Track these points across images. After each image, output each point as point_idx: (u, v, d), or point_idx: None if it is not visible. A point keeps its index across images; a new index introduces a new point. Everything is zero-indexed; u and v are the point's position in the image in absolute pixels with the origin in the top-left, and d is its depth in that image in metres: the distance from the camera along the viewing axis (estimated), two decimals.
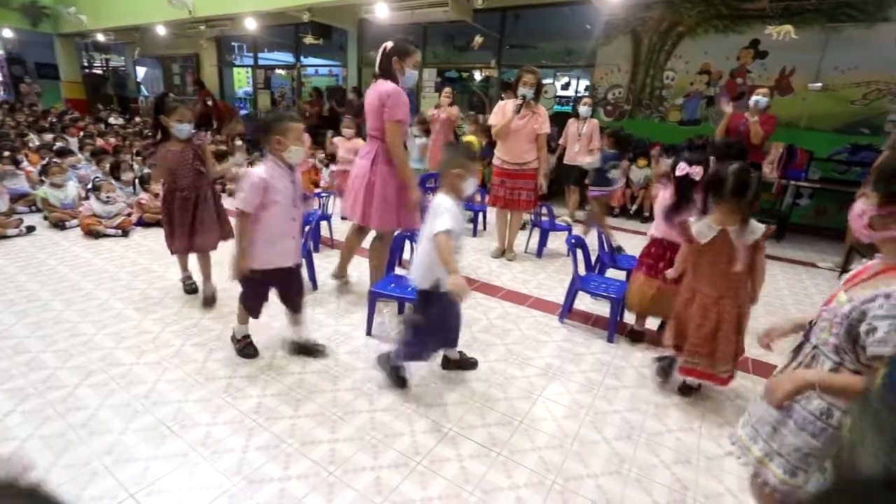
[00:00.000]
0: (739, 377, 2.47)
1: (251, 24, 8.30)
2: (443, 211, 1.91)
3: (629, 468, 1.79)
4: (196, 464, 1.68)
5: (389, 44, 2.65)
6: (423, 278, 2.03)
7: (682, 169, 2.24)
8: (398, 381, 2.18)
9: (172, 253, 2.99)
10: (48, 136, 7.28)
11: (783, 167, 5.56)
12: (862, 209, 1.06)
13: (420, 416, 2.00)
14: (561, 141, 5.64)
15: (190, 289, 3.11)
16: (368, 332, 2.68)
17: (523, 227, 4.66)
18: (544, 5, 7.15)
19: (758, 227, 1.90)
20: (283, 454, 1.75)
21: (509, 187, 3.91)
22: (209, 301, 2.93)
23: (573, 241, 2.98)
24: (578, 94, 8.74)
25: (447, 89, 5.70)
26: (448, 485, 1.65)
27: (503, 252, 4.21)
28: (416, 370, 2.34)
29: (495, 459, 1.79)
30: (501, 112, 3.78)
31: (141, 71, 14.74)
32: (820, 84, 5.52)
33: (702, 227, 1.94)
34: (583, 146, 5.20)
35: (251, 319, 2.39)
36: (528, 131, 3.73)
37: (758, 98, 4.42)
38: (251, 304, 2.32)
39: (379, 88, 2.62)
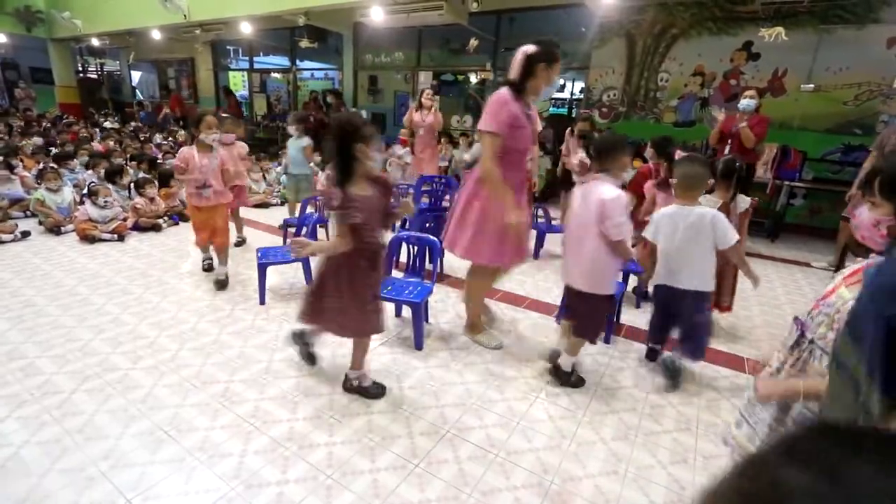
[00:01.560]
0: (736, 377, 2.49)
1: (246, 28, 8.30)
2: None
3: (626, 468, 1.80)
4: (193, 468, 1.68)
5: (531, 48, 2.16)
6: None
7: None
8: (310, 357, 2.30)
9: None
10: (41, 141, 7.26)
11: (777, 167, 5.60)
12: (875, 218, 1.02)
13: (417, 419, 2.01)
14: (562, 147, 5.66)
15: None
16: None
17: None
18: (539, 8, 7.18)
19: (744, 201, 2.61)
20: (280, 458, 1.75)
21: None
22: None
23: None
24: (574, 97, 8.79)
25: (428, 91, 5.57)
26: (446, 486, 1.66)
27: None
28: (413, 372, 2.35)
29: (493, 461, 1.79)
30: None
31: (136, 75, 14.72)
32: (812, 85, 5.57)
33: (708, 202, 2.35)
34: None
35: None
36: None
37: (745, 101, 4.46)
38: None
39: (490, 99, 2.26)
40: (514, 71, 2.21)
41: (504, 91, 2.21)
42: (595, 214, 2.01)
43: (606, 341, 2.77)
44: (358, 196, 1.76)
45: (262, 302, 3.05)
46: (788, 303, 3.61)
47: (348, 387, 2.15)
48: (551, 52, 2.16)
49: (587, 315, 2.22)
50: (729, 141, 4.59)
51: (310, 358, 2.30)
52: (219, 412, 1.98)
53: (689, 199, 2.18)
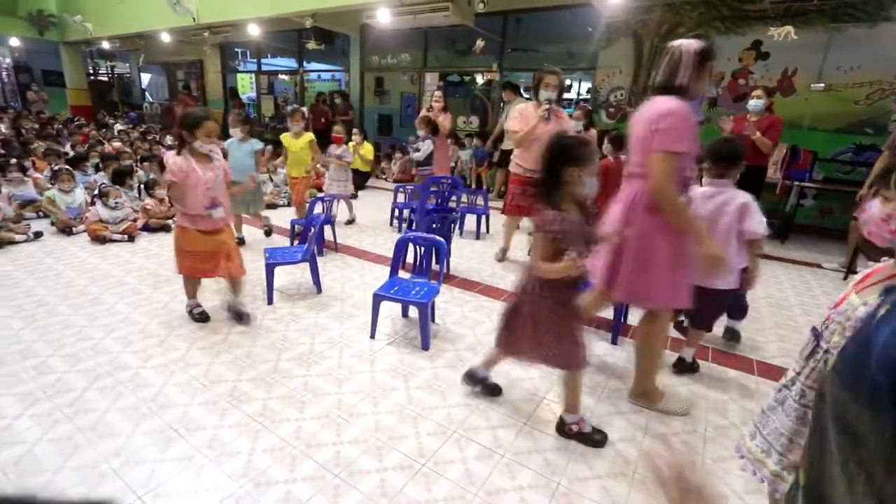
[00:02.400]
0: (745, 378, 2.47)
1: (254, 31, 8.36)
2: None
3: (634, 470, 1.79)
4: (203, 466, 1.69)
5: (698, 43, 1.81)
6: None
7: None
8: (492, 388, 2.20)
9: None
10: (51, 142, 7.36)
11: (786, 168, 5.55)
12: (886, 213, 0.99)
13: (424, 419, 2.01)
14: None
15: None
16: (372, 336, 2.69)
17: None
18: (545, 9, 7.17)
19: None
20: (288, 456, 1.76)
21: (532, 195, 3.66)
22: None
23: None
24: (580, 97, 8.76)
25: (437, 93, 5.60)
26: (452, 486, 1.66)
27: (506, 253, 4.18)
28: (419, 372, 2.36)
29: (499, 461, 1.79)
30: (523, 117, 3.52)
31: (146, 77, 14.89)
32: (823, 84, 5.51)
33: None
34: None
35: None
36: (553, 132, 3.56)
37: (753, 101, 4.42)
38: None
39: (654, 109, 1.83)
40: (678, 72, 1.82)
41: (672, 101, 1.80)
42: (735, 216, 2.17)
43: (614, 342, 2.76)
44: (573, 220, 1.67)
45: (270, 302, 3.07)
46: (798, 304, 3.57)
47: (566, 432, 1.93)
48: (713, 45, 1.86)
49: (716, 308, 2.40)
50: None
51: (494, 390, 2.19)
52: (227, 411, 2.00)
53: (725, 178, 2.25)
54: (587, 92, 8.06)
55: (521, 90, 7.01)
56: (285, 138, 4.49)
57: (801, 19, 5.52)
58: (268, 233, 4.57)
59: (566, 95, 9.02)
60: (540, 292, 1.76)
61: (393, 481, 1.67)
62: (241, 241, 4.24)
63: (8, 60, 13.74)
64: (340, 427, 1.93)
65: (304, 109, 6.17)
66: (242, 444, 1.81)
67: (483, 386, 2.19)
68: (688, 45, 1.83)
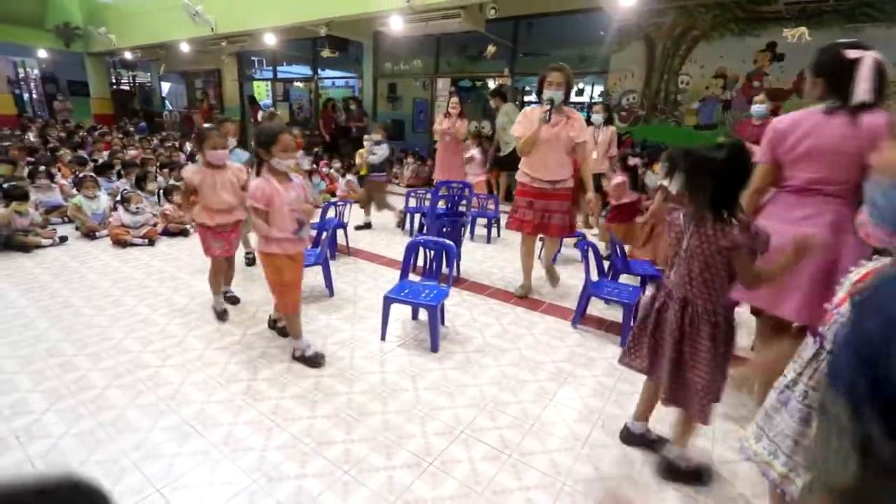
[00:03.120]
0: None
1: (270, 40, 8.56)
2: None
3: (641, 472, 1.80)
4: (218, 461, 1.75)
5: (877, 53, 1.69)
6: None
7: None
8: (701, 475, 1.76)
9: None
10: (80, 151, 7.62)
11: None
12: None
13: (432, 419, 2.05)
14: None
15: None
16: (383, 338, 2.74)
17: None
18: (557, 13, 7.20)
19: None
20: (300, 453, 1.81)
21: (540, 209, 3.19)
22: None
23: (585, 246, 3.00)
24: (592, 101, 8.73)
25: (454, 99, 5.67)
26: (459, 485, 1.69)
27: (530, 289, 3.48)
28: (428, 373, 2.39)
29: (506, 461, 1.82)
30: (527, 120, 3.12)
31: (165, 86, 15.30)
32: None
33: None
34: (600, 154, 5.16)
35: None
36: (563, 141, 3.06)
37: (757, 107, 4.39)
38: None
39: (869, 122, 1.68)
40: (884, 85, 1.71)
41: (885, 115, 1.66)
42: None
43: (623, 345, 2.76)
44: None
45: None
46: None
47: (668, 469, 1.74)
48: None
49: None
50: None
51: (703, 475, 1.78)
52: (242, 409, 2.06)
53: None
54: (599, 95, 8.05)
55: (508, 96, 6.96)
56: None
57: (817, 20, 5.45)
58: (250, 262, 3.95)
59: (578, 99, 9.01)
60: (727, 315, 1.58)
61: (401, 479, 1.71)
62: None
63: (36, 72, 14.28)
64: (350, 426, 1.98)
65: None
66: (256, 440, 1.87)
67: (666, 463, 1.77)
68: (873, 56, 1.70)
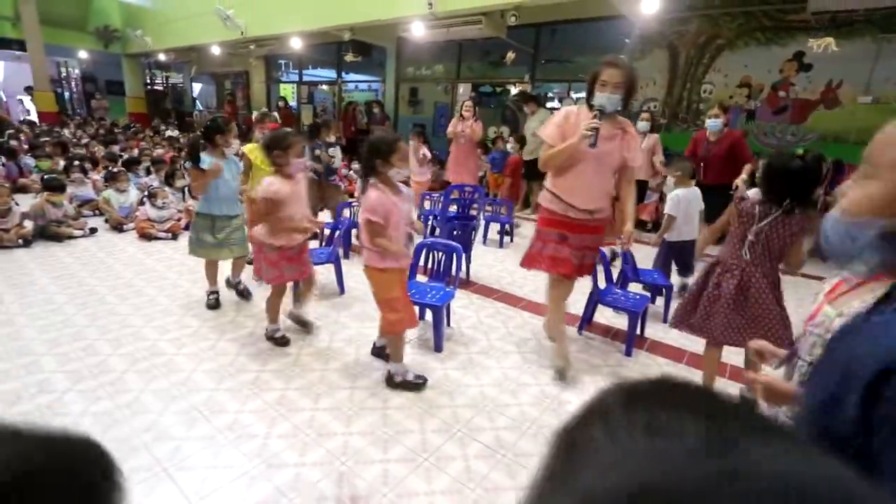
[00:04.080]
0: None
1: (297, 44, 8.79)
2: None
3: None
4: (222, 446, 1.83)
5: None
6: None
7: None
8: None
9: None
10: (115, 148, 7.97)
11: (829, 183, 5.31)
12: None
13: (431, 416, 2.09)
14: None
15: None
16: None
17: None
18: (579, 20, 7.19)
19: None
20: (300, 443, 1.87)
21: (578, 247, 2.36)
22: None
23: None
24: (635, 110, 8.64)
25: (468, 102, 5.69)
26: (451, 481, 1.72)
27: (569, 363, 2.50)
28: (430, 372, 2.43)
29: (500, 461, 1.84)
30: (567, 125, 2.24)
31: (196, 87, 15.83)
32: (871, 97, 5.27)
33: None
34: (646, 161, 5.03)
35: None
36: (613, 162, 2.25)
37: (711, 121, 4.28)
38: None
39: None
40: None
41: None
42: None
43: (628, 354, 2.75)
44: None
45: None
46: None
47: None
48: None
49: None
50: (702, 164, 4.26)
51: None
52: (248, 398, 2.14)
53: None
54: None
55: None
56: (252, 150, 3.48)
57: (847, 30, 5.31)
58: (243, 293, 3.28)
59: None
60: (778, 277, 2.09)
61: (395, 472, 1.75)
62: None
63: (77, 71, 14.98)
64: (350, 419, 2.04)
65: (275, 115, 6.35)
66: (259, 428, 1.94)
67: None
68: None
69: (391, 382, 2.28)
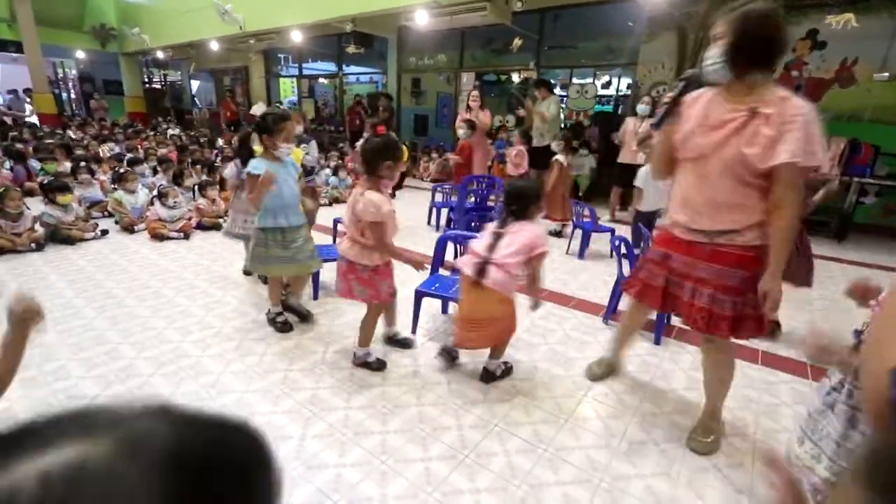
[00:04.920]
0: (797, 383, 2.37)
1: (297, 37, 8.67)
2: None
3: (679, 471, 1.77)
4: None
5: None
6: None
7: None
8: None
9: None
10: (117, 148, 7.91)
11: (845, 163, 5.23)
12: None
13: (466, 412, 2.06)
14: (620, 138, 5.67)
15: None
16: (413, 331, 2.76)
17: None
18: (585, 4, 7.06)
19: None
20: (338, 443, 1.84)
21: (677, 271, 1.77)
22: None
23: (618, 241, 2.95)
24: (620, 93, 8.55)
25: (474, 93, 5.59)
26: (495, 478, 1.69)
27: (614, 369, 2.35)
28: (459, 368, 2.40)
29: (542, 456, 1.81)
30: (698, 112, 1.64)
31: (195, 84, 15.69)
32: (887, 74, 5.17)
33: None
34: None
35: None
36: (730, 161, 1.55)
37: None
38: None
39: None
40: None
41: None
42: None
43: (657, 342, 2.71)
44: None
45: (316, 297, 3.20)
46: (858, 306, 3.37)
47: None
48: None
49: None
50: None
51: None
52: (279, 398, 2.11)
53: None
54: (627, 87, 7.87)
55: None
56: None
57: (864, 6, 5.20)
58: (306, 317, 2.94)
59: (605, 92, 8.80)
60: None
61: (437, 470, 1.72)
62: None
63: (74, 72, 14.84)
64: (386, 417, 2.01)
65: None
66: (294, 429, 1.92)
67: None
68: None
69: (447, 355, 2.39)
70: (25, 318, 1.07)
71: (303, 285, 2.96)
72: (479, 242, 2.15)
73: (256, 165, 2.44)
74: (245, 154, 2.88)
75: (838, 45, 5.40)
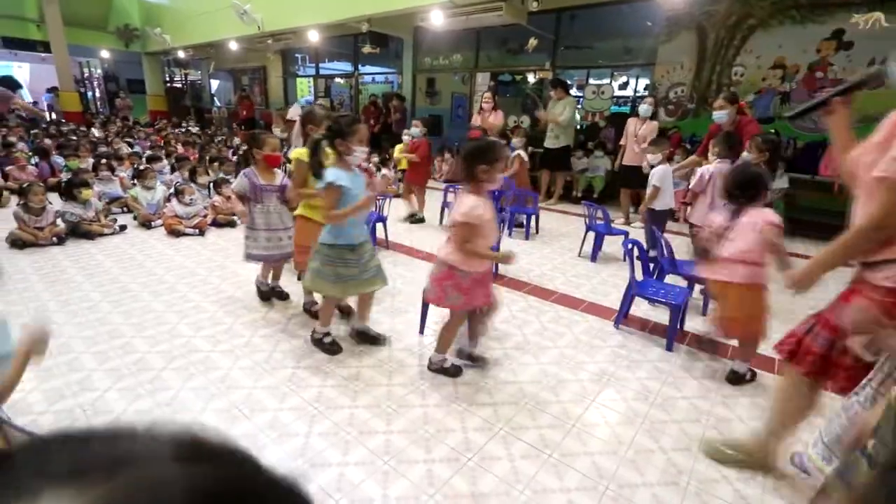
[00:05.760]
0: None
1: (314, 37, 8.75)
2: None
3: (688, 480, 1.72)
4: (264, 445, 1.82)
5: None
6: None
7: None
8: None
9: None
10: (137, 147, 8.08)
11: None
12: None
13: (471, 415, 2.04)
14: (621, 141, 5.64)
15: None
16: (421, 331, 2.75)
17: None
18: (602, 4, 6.98)
19: None
20: (342, 441, 1.85)
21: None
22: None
23: (630, 244, 2.90)
24: (637, 94, 8.43)
25: (487, 95, 5.54)
26: (498, 482, 1.68)
27: (768, 467, 1.76)
28: (467, 369, 2.38)
29: (546, 461, 1.79)
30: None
31: (214, 83, 15.97)
32: None
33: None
34: (639, 147, 5.08)
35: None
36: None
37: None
38: None
39: None
40: None
41: None
42: None
43: (669, 349, 2.66)
44: None
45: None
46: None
47: None
48: None
49: None
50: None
51: None
52: (287, 395, 2.13)
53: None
54: (645, 89, 7.75)
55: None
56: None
57: (892, 4, 5.02)
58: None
59: (621, 93, 8.68)
60: None
61: (440, 473, 1.71)
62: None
63: (99, 71, 15.22)
64: (390, 417, 2.00)
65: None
66: (300, 426, 1.92)
67: None
68: None
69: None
70: (33, 349, 1.29)
71: (370, 305, 2.64)
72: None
73: (338, 175, 2.19)
74: (317, 169, 2.44)
75: (865, 46, 5.23)
